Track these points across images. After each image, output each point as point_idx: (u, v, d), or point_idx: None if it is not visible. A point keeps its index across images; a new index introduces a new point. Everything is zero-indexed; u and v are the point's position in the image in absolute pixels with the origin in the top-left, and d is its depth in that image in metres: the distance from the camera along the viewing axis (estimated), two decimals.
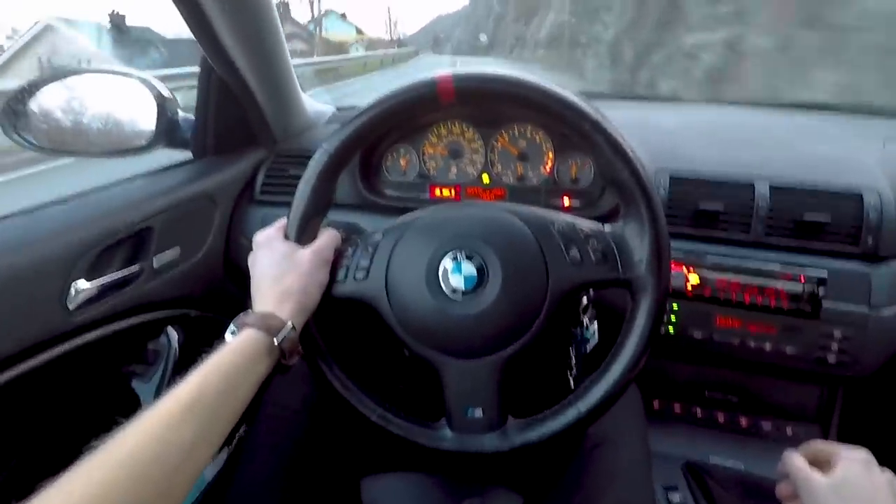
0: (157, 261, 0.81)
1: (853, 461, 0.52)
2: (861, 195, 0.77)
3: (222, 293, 0.96)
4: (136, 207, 0.78)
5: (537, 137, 0.90)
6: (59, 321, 0.67)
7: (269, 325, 0.52)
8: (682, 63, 8.82)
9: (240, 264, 0.97)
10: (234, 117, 0.94)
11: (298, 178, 0.60)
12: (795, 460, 0.55)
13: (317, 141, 1.03)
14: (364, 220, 0.90)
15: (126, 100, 0.86)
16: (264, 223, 0.95)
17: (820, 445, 0.58)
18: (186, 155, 0.96)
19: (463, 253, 0.56)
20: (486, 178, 0.92)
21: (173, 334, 0.90)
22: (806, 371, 0.80)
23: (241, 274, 0.91)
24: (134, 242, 0.78)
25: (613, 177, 0.56)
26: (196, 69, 0.91)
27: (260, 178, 0.98)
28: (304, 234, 0.60)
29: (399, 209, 0.90)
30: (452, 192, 0.93)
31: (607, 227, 0.58)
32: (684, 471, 0.87)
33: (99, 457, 0.37)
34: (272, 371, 0.53)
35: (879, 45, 4.75)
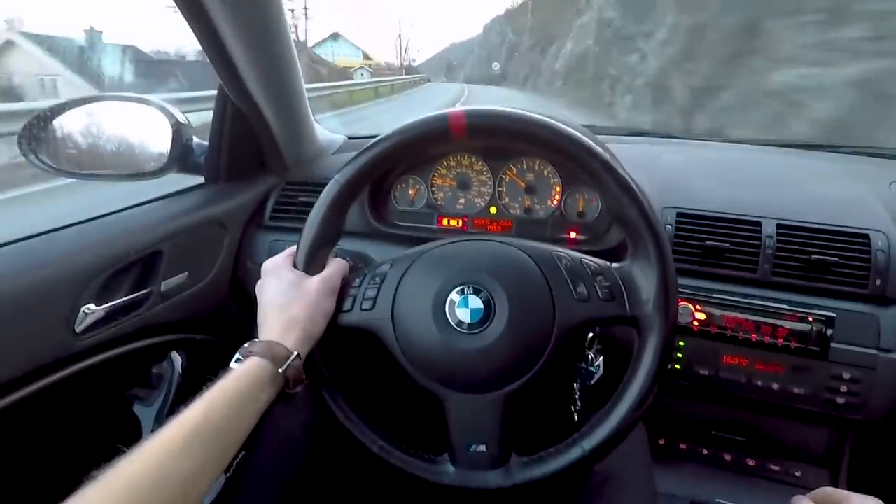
0: (165, 285, 0.82)
1: None
2: (868, 236, 0.77)
3: (227, 318, 0.97)
4: (147, 231, 0.79)
5: (545, 171, 0.91)
6: (65, 344, 0.67)
7: (275, 354, 0.52)
8: (771, 106, 6.45)
9: (246, 289, 0.97)
10: (247, 144, 0.96)
11: (308, 205, 0.61)
12: None
13: (327, 169, 1.04)
14: (371, 249, 0.91)
15: (142, 125, 0.88)
16: (273, 249, 0.97)
17: (830, 491, 0.57)
18: (198, 179, 0.98)
19: (470, 287, 0.57)
20: (493, 210, 0.93)
21: (177, 359, 0.90)
22: (814, 413, 0.79)
23: (247, 299, 0.91)
24: (143, 266, 0.79)
25: (621, 215, 0.56)
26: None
27: (270, 205, 1.00)
28: (312, 263, 0.60)
29: (407, 238, 0.90)
30: (460, 222, 0.94)
31: (615, 265, 0.59)
32: None
33: (99, 487, 0.37)
34: (275, 399, 0.53)
35: None
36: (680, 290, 0.69)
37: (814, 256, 0.77)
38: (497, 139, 0.59)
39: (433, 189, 0.95)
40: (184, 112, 0.90)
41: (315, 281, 0.59)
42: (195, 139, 0.93)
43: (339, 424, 0.59)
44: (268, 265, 0.62)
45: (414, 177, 0.96)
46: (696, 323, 0.80)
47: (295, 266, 0.61)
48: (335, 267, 0.62)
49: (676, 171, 0.96)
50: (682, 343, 0.81)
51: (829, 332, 0.75)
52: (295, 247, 0.62)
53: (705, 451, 0.95)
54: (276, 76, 0.89)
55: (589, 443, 0.55)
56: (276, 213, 0.99)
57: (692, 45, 9.33)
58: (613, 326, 0.59)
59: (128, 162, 0.87)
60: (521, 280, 0.57)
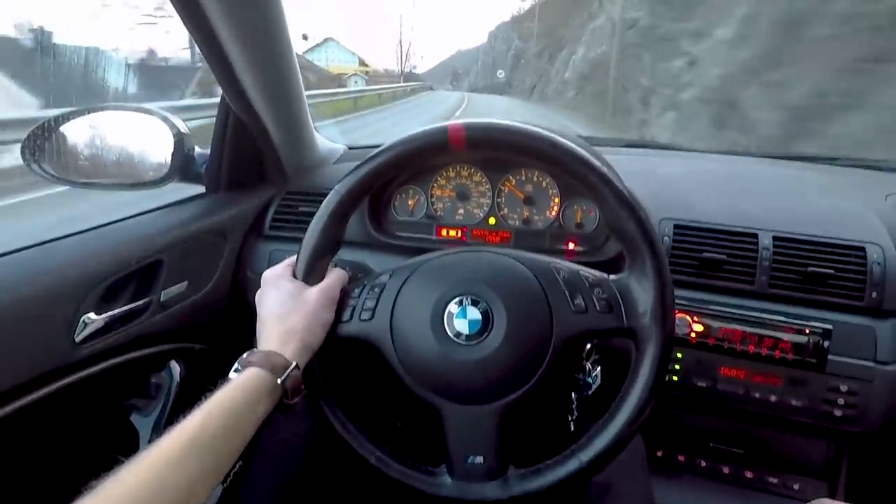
0: (165, 294, 0.82)
1: None
2: (864, 249, 0.77)
3: (226, 327, 0.97)
4: (148, 241, 0.79)
5: (544, 182, 0.91)
6: (65, 353, 0.67)
7: (273, 364, 0.53)
8: None
9: (246, 299, 0.98)
10: (248, 154, 0.97)
11: (308, 214, 0.61)
12: None
13: (328, 179, 1.05)
14: (370, 259, 0.91)
15: (144, 135, 0.89)
16: (273, 258, 0.97)
17: (827, 503, 0.57)
18: (199, 189, 0.99)
19: (468, 298, 0.57)
20: (492, 221, 0.93)
21: (176, 368, 0.90)
22: (812, 425, 0.79)
23: (246, 308, 0.92)
24: (143, 275, 0.79)
25: (619, 227, 0.57)
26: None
27: (270, 214, 1.00)
28: (312, 273, 0.61)
29: (406, 249, 0.91)
30: (459, 233, 0.94)
31: (612, 277, 0.59)
32: None
33: (97, 497, 0.37)
34: (274, 409, 0.53)
35: None
36: (677, 301, 0.70)
37: (810, 268, 0.77)
38: (496, 151, 0.60)
39: (433, 200, 0.96)
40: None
41: (314, 291, 0.59)
42: (197, 149, 0.94)
43: (337, 435, 0.59)
44: (267, 275, 0.62)
45: (414, 187, 0.96)
46: (693, 335, 0.80)
47: (294, 276, 0.61)
48: (334, 277, 0.62)
49: (674, 183, 0.96)
50: (679, 355, 0.81)
51: (826, 344, 0.75)
52: (294, 257, 0.63)
53: (703, 464, 0.94)
54: (278, 86, 0.90)
55: (586, 455, 0.55)
56: (276, 223, 1.00)
57: (783, 46, 6.47)
58: (611, 338, 0.60)
59: (129, 171, 0.88)
60: (519, 291, 0.58)
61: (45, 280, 0.66)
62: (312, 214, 0.62)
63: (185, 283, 0.86)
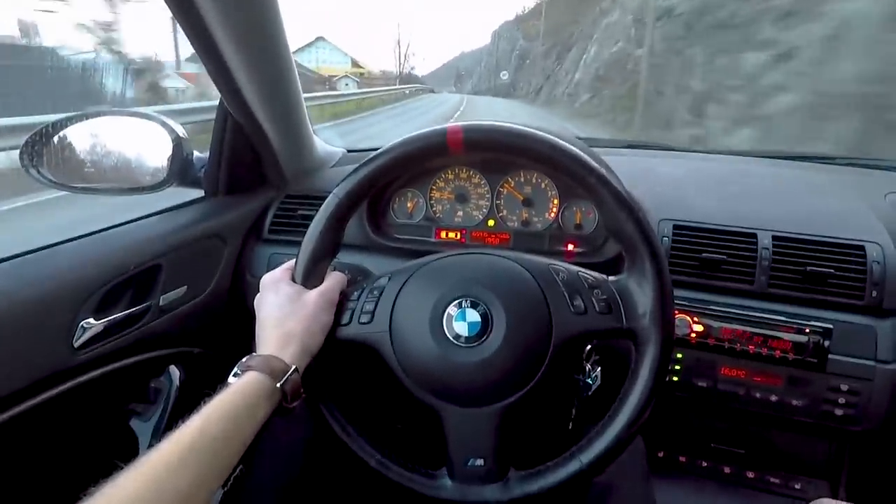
0: (164, 299, 0.82)
1: None
2: (864, 248, 0.77)
3: (225, 331, 0.97)
4: (147, 245, 0.79)
5: (543, 184, 0.91)
6: (64, 358, 0.67)
7: (273, 368, 0.53)
8: None
9: (245, 303, 0.98)
10: (247, 158, 0.97)
11: (307, 218, 0.61)
12: None
13: (326, 182, 1.05)
14: (369, 261, 0.91)
15: (143, 140, 0.89)
16: (272, 262, 0.97)
17: (829, 503, 0.57)
18: (198, 193, 0.99)
19: (468, 300, 0.57)
20: (491, 223, 0.93)
21: (175, 372, 0.90)
22: (813, 424, 0.79)
23: (245, 312, 0.91)
24: (142, 280, 0.79)
25: (618, 229, 0.57)
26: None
27: (269, 218, 1.00)
28: (311, 276, 0.61)
29: (405, 251, 0.91)
30: (458, 235, 0.94)
31: (611, 278, 0.59)
32: None
33: (96, 503, 0.37)
34: (273, 413, 0.53)
35: None
36: (677, 302, 0.69)
37: (810, 268, 0.77)
38: (494, 154, 0.60)
39: (432, 202, 0.96)
40: None
41: (313, 294, 0.59)
42: (195, 153, 0.94)
43: (337, 438, 0.59)
44: (266, 279, 0.62)
45: (412, 190, 0.96)
46: (693, 335, 0.80)
47: (293, 279, 0.61)
48: (333, 280, 0.62)
49: (672, 184, 0.96)
50: (680, 355, 0.81)
51: (827, 343, 0.75)
52: (293, 260, 0.63)
53: (704, 464, 0.94)
54: (276, 90, 0.90)
55: (587, 456, 0.55)
56: (274, 227, 1.00)
57: None
58: (610, 339, 0.60)
59: (128, 176, 0.88)
60: (519, 293, 0.58)
61: (44, 285, 0.66)
62: (311, 218, 0.62)
63: (185, 287, 0.86)
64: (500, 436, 0.56)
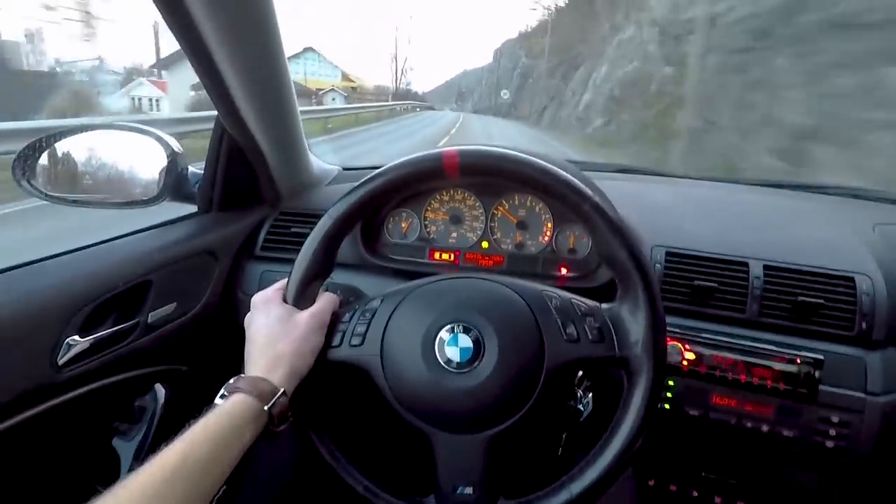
0: (152, 315, 0.81)
1: None
2: (853, 279, 0.78)
3: (214, 348, 0.95)
4: (137, 261, 0.79)
5: (537, 207, 0.92)
6: (46, 377, 0.66)
7: (261, 391, 0.52)
8: None
9: (234, 320, 0.96)
10: (242, 174, 0.97)
11: (300, 235, 0.61)
12: None
13: (321, 200, 1.05)
14: (363, 281, 0.91)
15: (137, 154, 0.89)
16: (263, 279, 0.96)
17: None
18: (191, 208, 0.98)
19: (460, 325, 0.57)
20: (485, 245, 0.93)
21: (160, 391, 0.89)
22: (804, 455, 0.78)
23: (234, 330, 0.90)
24: (131, 296, 0.78)
25: (611, 257, 0.57)
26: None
27: (262, 235, 1.00)
28: (302, 297, 0.60)
29: (398, 271, 0.90)
30: (452, 256, 0.94)
31: (604, 306, 0.59)
32: None
33: None
34: (260, 436, 0.52)
35: None
36: (669, 329, 0.69)
37: (800, 298, 0.78)
38: (490, 178, 0.60)
39: (426, 223, 0.96)
40: None
41: (304, 316, 0.59)
42: (190, 168, 0.94)
43: (325, 463, 0.58)
44: (257, 298, 0.62)
45: (407, 210, 0.96)
46: (685, 362, 0.80)
47: (285, 300, 0.61)
48: (325, 301, 0.62)
49: (665, 210, 0.97)
50: (671, 383, 0.81)
51: (818, 374, 0.75)
52: (285, 280, 0.62)
53: (695, 493, 0.93)
54: (273, 107, 0.90)
55: (577, 486, 0.54)
56: (267, 244, 0.99)
57: None
58: (603, 368, 0.59)
59: (122, 190, 0.87)
60: (511, 319, 0.57)
61: (29, 302, 0.65)
62: (305, 235, 0.61)
63: (174, 304, 0.85)
64: (489, 463, 0.55)
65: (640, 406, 0.54)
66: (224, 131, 0.91)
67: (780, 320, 0.79)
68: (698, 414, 0.80)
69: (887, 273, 0.79)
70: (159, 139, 0.88)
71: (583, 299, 0.60)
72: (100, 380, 0.74)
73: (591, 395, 0.76)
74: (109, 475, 0.44)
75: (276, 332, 0.57)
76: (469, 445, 0.55)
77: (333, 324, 0.61)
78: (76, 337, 0.68)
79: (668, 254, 0.85)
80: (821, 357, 0.75)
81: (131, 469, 0.43)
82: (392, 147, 12.52)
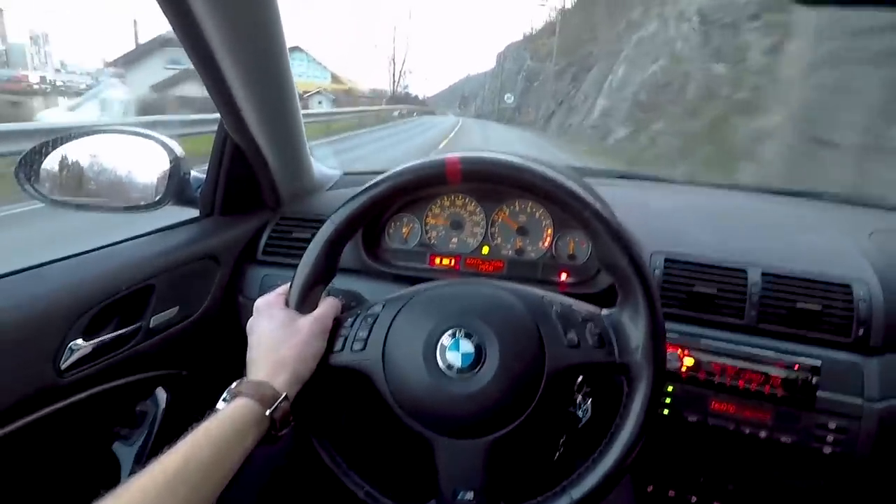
0: (154, 320, 0.81)
1: None
2: (850, 286, 0.79)
3: (216, 353, 0.96)
4: (140, 266, 0.79)
5: (537, 213, 0.92)
6: (48, 380, 0.66)
7: (263, 395, 0.52)
8: None
9: (236, 325, 0.97)
10: (244, 179, 0.97)
11: (301, 240, 0.61)
12: None
13: (322, 205, 1.05)
14: (363, 286, 0.91)
15: (140, 158, 0.89)
16: (264, 283, 0.97)
17: None
18: (193, 212, 0.98)
19: (462, 331, 0.57)
20: (485, 250, 0.94)
21: (161, 395, 0.89)
22: (802, 461, 0.79)
23: (235, 334, 0.91)
24: (133, 300, 0.79)
25: (611, 263, 0.57)
26: None
27: (263, 239, 1.00)
28: (305, 302, 0.61)
29: (399, 277, 0.91)
30: (452, 261, 0.95)
31: (604, 311, 0.59)
32: None
33: None
34: (261, 441, 0.52)
35: None
36: (668, 335, 0.70)
37: (798, 305, 0.78)
38: (492, 184, 0.61)
39: (427, 228, 0.96)
40: None
41: (307, 321, 0.59)
42: (193, 172, 0.95)
43: (326, 468, 0.59)
44: (260, 303, 0.62)
45: (408, 215, 0.97)
46: (684, 369, 0.80)
47: (287, 304, 0.61)
48: (327, 306, 0.62)
49: (664, 216, 0.98)
50: (670, 388, 0.82)
51: (815, 380, 0.76)
52: (287, 285, 0.63)
53: (694, 499, 0.94)
54: (276, 112, 0.91)
55: (577, 492, 0.55)
56: (269, 248, 1.00)
57: None
58: (603, 374, 0.60)
59: (125, 194, 0.88)
60: (512, 325, 0.58)
61: (32, 306, 0.65)
62: (306, 240, 0.62)
63: (176, 308, 0.86)
64: (490, 468, 0.56)
65: (640, 412, 0.55)
66: (227, 136, 0.91)
67: (779, 327, 0.80)
68: (697, 420, 0.81)
69: (884, 279, 0.80)
70: (162, 143, 0.89)
71: (583, 305, 0.60)
72: (102, 384, 0.74)
73: (590, 401, 0.76)
74: (110, 479, 0.44)
75: (278, 337, 0.57)
76: (470, 450, 0.56)
77: (335, 329, 0.61)
78: (79, 341, 0.69)
79: (667, 260, 0.85)
80: (818, 363, 0.76)
81: (132, 474, 0.43)
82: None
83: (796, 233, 0.94)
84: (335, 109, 23.51)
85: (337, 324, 0.62)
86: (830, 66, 5.63)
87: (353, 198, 0.61)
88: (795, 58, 6.83)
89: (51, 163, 0.82)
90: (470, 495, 0.55)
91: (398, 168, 0.61)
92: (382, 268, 0.93)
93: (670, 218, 0.97)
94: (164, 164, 0.89)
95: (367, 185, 0.61)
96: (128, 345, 0.77)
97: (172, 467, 0.44)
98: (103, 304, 0.72)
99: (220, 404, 0.52)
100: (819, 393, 0.76)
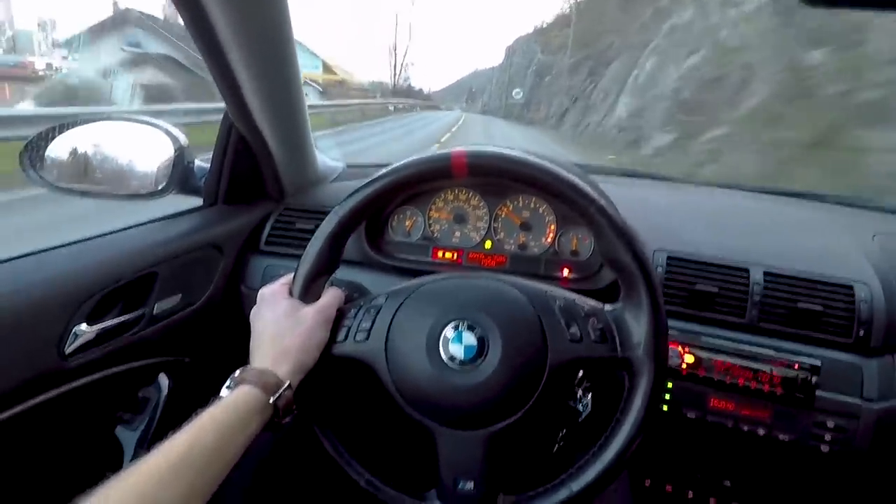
0: (158, 307, 0.82)
1: None
2: (852, 287, 0.79)
3: (218, 341, 0.96)
4: (144, 253, 0.79)
5: (541, 208, 0.92)
6: (53, 364, 0.67)
7: (266, 383, 0.53)
8: None
9: (237, 313, 0.97)
10: (248, 169, 0.97)
11: (305, 231, 0.61)
12: None
13: (326, 197, 1.06)
14: (365, 278, 0.91)
15: (145, 146, 0.89)
16: (267, 273, 0.97)
17: None
18: (196, 201, 0.99)
19: (465, 323, 0.57)
20: (488, 245, 0.94)
21: (163, 381, 0.89)
22: (799, 459, 0.79)
23: (237, 322, 0.91)
24: (137, 287, 0.79)
25: (615, 259, 0.58)
26: None
27: (267, 229, 1.00)
28: (309, 292, 0.61)
29: (401, 269, 0.91)
30: (455, 255, 0.95)
31: (607, 307, 0.60)
32: None
33: None
34: (264, 428, 0.53)
35: None
36: (669, 332, 0.70)
37: (800, 305, 0.79)
38: (497, 179, 0.61)
39: (430, 221, 0.96)
40: None
41: (310, 310, 0.59)
42: (197, 161, 0.95)
43: (328, 456, 0.59)
44: (264, 292, 0.63)
45: (411, 208, 0.97)
46: (684, 366, 0.81)
47: (291, 294, 0.62)
48: (331, 296, 0.62)
49: (667, 214, 0.98)
50: (669, 385, 0.82)
51: (815, 379, 0.76)
52: (291, 274, 0.63)
53: (691, 495, 0.94)
54: (281, 103, 0.91)
55: (577, 484, 0.55)
56: (272, 239, 1.00)
57: None
58: (604, 368, 0.60)
59: (129, 182, 0.88)
60: (515, 318, 0.58)
61: (37, 291, 0.65)
62: (309, 231, 0.62)
63: (179, 295, 0.86)
64: (490, 459, 0.56)
65: (641, 407, 0.55)
66: (231, 126, 0.91)
67: (779, 326, 0.80)
68: (696, 416, 0.81)
69: (885, 281, 0.80)
70: (167, 131, 0.89)
71: (586, 300, 0.60)
72: (105, 369, 0.74)
73: (590, 395, 0.77)
74: (112, 464, 0.45)
75: (283, 327, 0.58)
76: (471, 441, 0.56)
77: (338, 319, 0.62)
78: (83, 326, 0.69)
79: (669, 258, 0.86)
80: (818, 363, 0.76)
81: (134, 457, 0.43)
82: None
83: (800, 233, 0.94)
84: (319, 102, 20.54)
85: (340, 314, 0.62)
86: None
87: (357, 190, 0.62)
88: None
89: (56, 149, 0.82)
90: (470, 485, 0.56)
91: (403, 161, 0.62)
92: (385, 260, 0.93)
93: (673, 216, 0.97)
94: (169, 153, 0.89)
95: (371, 177, 0.62)
96: (131, 331, 0.78)
97: (177, 451, 0.44)
98: (107, 290, 0.72)
99: (224, 391, 0.53)
100: (818, 392, 0.76)
